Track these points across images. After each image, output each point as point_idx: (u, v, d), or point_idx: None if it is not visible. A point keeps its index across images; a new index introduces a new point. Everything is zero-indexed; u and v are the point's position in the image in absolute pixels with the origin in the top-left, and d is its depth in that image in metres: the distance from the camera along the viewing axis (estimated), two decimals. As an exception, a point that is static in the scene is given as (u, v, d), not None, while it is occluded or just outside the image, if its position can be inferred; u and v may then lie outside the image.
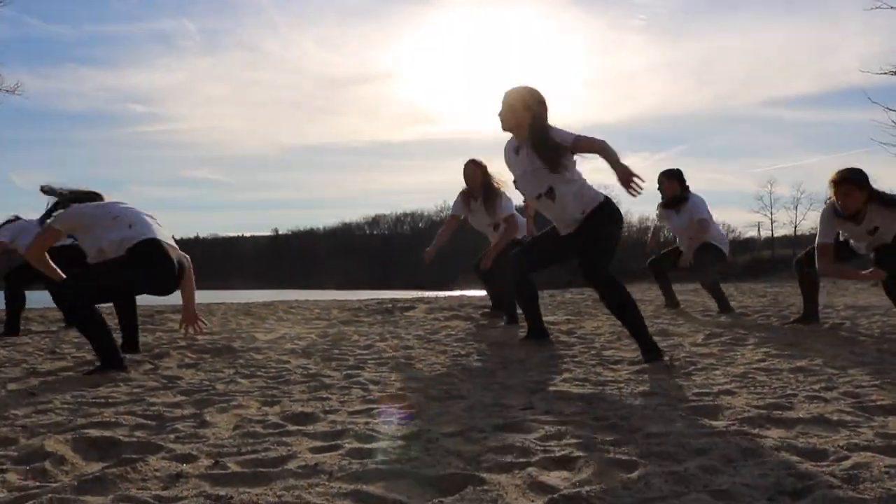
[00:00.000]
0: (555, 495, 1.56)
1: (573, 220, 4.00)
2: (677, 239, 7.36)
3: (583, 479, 1.70)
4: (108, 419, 2.49)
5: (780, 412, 2.39)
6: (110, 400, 2.89)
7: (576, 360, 3.86)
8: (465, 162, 6.26)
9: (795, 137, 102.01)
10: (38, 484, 1.78)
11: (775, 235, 60.50)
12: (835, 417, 2.30)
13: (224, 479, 1.75)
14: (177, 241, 4.30)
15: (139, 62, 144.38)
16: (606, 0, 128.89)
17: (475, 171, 6.17)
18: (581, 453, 1.90)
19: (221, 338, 5.04)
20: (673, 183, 7.05)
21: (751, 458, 1.87)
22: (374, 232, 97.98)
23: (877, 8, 14.69)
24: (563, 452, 1.92)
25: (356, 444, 2.06)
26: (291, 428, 2.31)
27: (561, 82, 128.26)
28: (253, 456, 1.95)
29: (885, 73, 14.12)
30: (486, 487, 1.60)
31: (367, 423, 2.34)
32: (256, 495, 1.59)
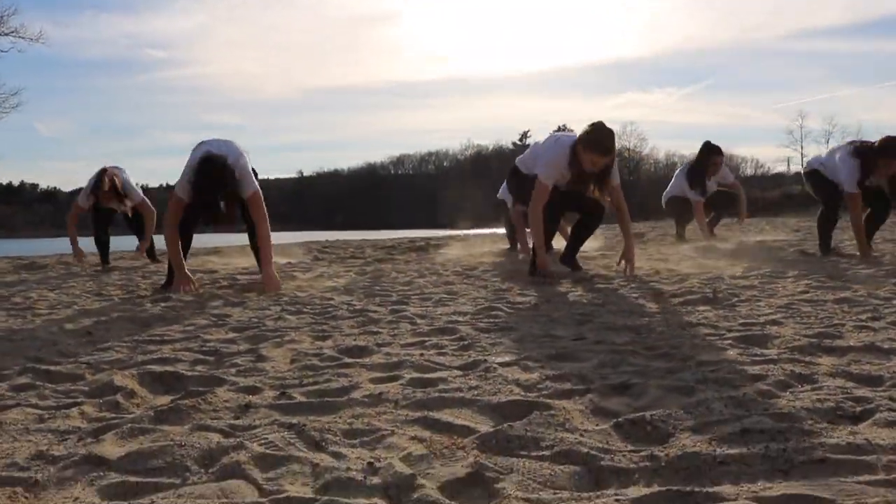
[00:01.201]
0: (619, 419, 1.60)
1: None
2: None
3: (643, 405, 1.74)
4: (167, 355, 2.56)
5: (829, 341, 2.40)
6: (165, 338, 2.96)
7: (617, 292, 3.88)
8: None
9: (826, 69, 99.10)
10: (114, 415, 1.85)
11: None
12: (885, 346, 2.31)
13: (292, 408, 1.81)
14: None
15: (158, 7, 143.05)
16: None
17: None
18: (637, 380, 1.93)
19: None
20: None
21: (807, 383, 1.89)
22: (399, 172, 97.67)
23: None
24: (620, 380, 1.95)
25: (415, 374, 2.11)
26: (348, 360, 2.37)
27: (581, 17, 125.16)
28: (316, 387, 2.01)
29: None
30: (552, 412, 1.64)
31: (422, 355, 2.39)
32: (327, 423, 1.65)
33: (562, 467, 1.34)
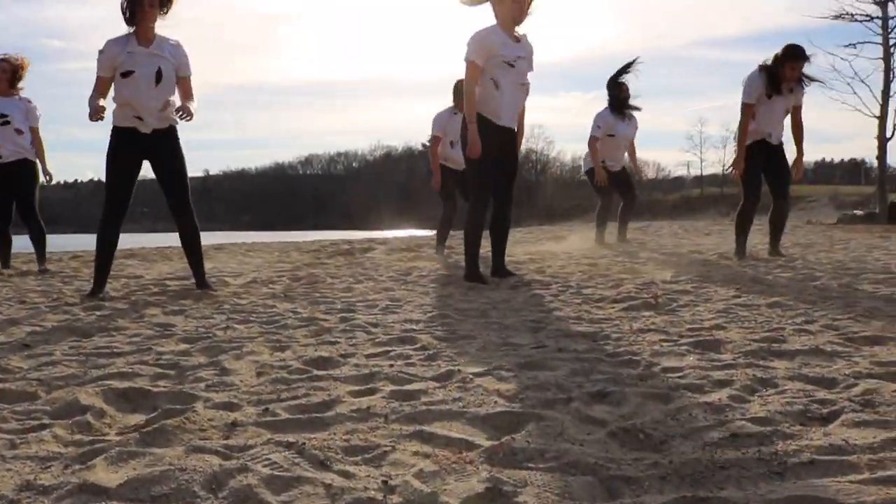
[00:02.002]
0: (612, 428, 1.66)
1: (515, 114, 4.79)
2: (612, 152, 7.65)
3: (628, 413, 1.81)
4: (123, 369, 2.49)
5: (777, 345, 2.55)
6: (114, 350, 2.87)
7: (559, 298, 3.98)
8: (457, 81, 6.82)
9: (724, 77, 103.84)
10: (91, 437, 1.79)
11: (704, 174, 61.94)
12: (828, 349, 2.46)
13: (281, 425, 1.80)
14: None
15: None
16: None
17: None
18: (613, 388, 2.01)
19: (192, 283, 4.98)
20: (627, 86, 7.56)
21: (770, 387, 2.01)
22: (308, 172, 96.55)
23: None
24: (596, 388, 2.02)
25: (393, 387, 2.12)
26: (318, 372, 2.36)
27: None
28: (296, 402, 2.00)
29: (826, 18, 14.43)
30: (546, 423, 1.69)
31: (391, 366, 2.40)
32: (324, 440, 1.64)
33: (573, 478, 1.39)
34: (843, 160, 72.64)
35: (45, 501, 1.38)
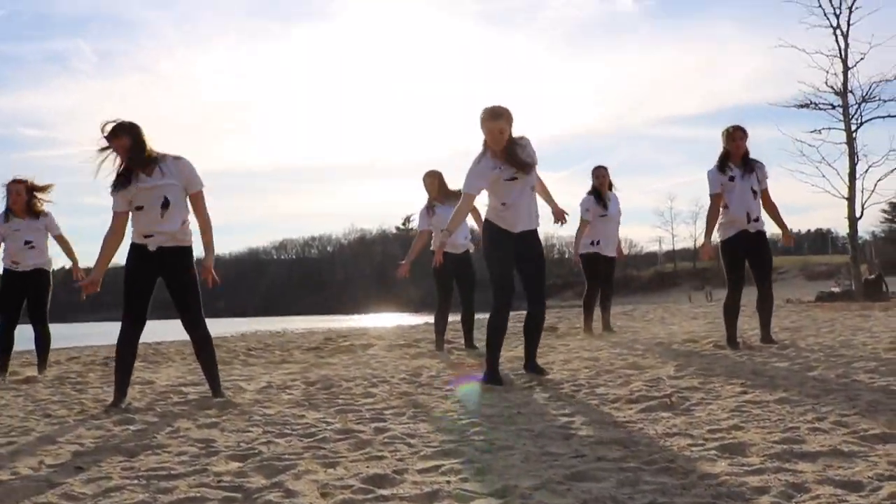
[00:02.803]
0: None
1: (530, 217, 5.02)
2: (599, 240, 8.04)
3: (686, 526, 2.00)
4: (190, 493, 2.63)
5: (797, 446, 2.77)
6: (171, 472, 3.00)
7: (576, 399, 4.18)
8: (424, 174, 7.39)
9: (688, 154, 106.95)
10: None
11: (676, 248, 63.09)
12: (845, 449, 2.69)
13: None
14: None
15: (32, 84, 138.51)
16: (508, 23, 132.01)
17: (433, 180, 7.30)
18: (662, 499, 2.21)
19: (207, 388, 5.09)
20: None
21: (804, 492, 2.22)
22: (283, 256, 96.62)
23: (780, 46, 15.86)
24: (647, 500, 2.21)
25: (461, 505, 2.30)
26: (383, 492, 2.53)
27: (462, 105, 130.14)
28: (376, 523, 2.17)
29: (792, 107, 15.28)
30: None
31: (448, 482, 2.58)
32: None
33: None
34: (809, 230, 74.46)
35: None
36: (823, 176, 14.49)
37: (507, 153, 4.83)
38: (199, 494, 2.62)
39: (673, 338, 7.29)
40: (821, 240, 66.67)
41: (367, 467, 2.87)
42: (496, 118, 4.78)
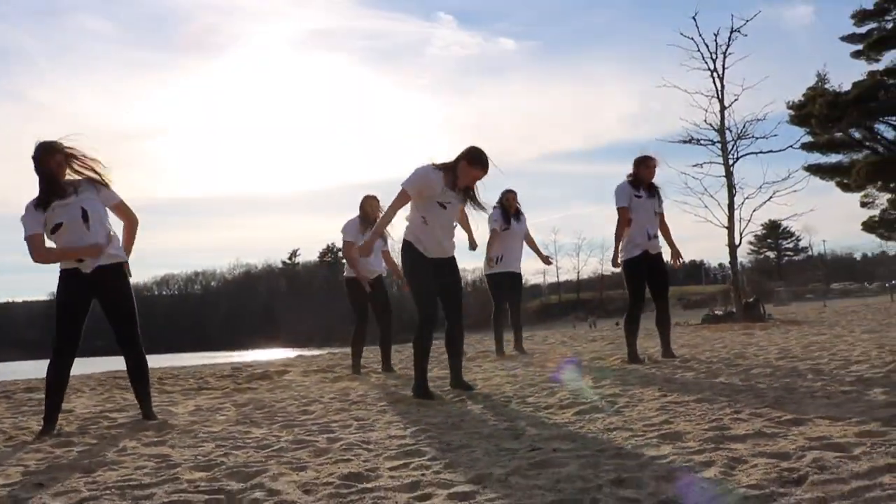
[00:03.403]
0: (651, 502, 2.14)
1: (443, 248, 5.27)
2: (502, 256, 8.46)
3: (653, 492, 2.29)
4: (173, 498, 2.72)
5: (727, 431, 3.13)
6: (141, 482, 3.05)
7: (510, 408, 4.46)
8: (365, 197, 7.71)
9: (570, 188, 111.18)
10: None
11: (560, 280, 65.01)
12: (768, 431, 3.07)
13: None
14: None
15: None
16: (394, 60, 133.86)
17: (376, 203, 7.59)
18: (626, 475, 2.49)
19: (136, 413, 5.05)
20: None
21: (744, 463, 2.56)
22: (164, 292, 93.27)
23: (663, 86, 17.02)
24: (611, 476, 2.50)
25: (444, 490, 2.52)
26: (366, 485, 2.70)
27: (348, 139, 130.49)
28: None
29: (677, 142, 16.41)
30: (604, 504, 2.15)
31: (423, 475, 2.78)
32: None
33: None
34: (684, 262, 78.31)
35: None
36: (705, 206, 15.62)
37: (465, 192, 5.23)
38: (181, 498, 2.71)
39: (581, 356, 7.70)
40: (695, 270, 70.40)
41: (338, 468, 3.03)
42: (484, 169, 5.13)
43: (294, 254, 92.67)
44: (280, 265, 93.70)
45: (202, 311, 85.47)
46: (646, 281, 6.68)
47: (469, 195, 5.21)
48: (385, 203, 7.32)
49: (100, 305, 4.84)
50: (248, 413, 5.04)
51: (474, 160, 5.06)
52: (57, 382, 4.71)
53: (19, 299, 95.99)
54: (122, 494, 2.86)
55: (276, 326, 77.52)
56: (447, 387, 5.54)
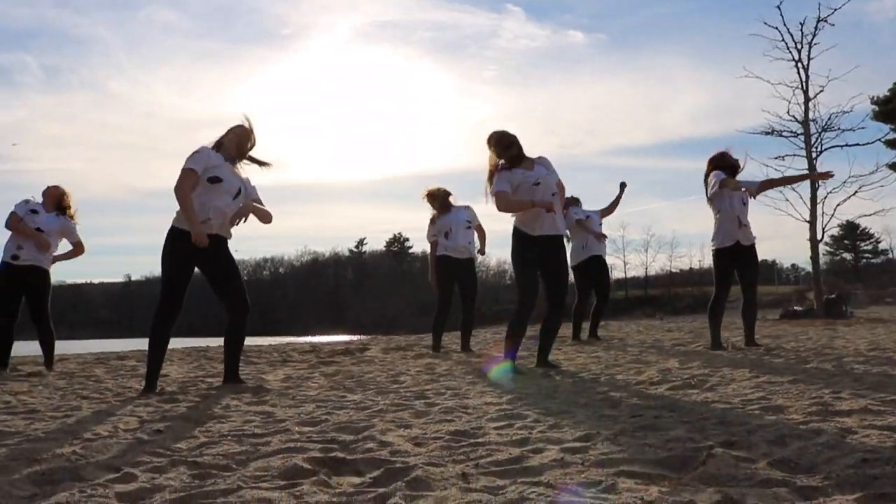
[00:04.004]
0: (768, 461, 2.18)
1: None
2: (587, 243, 8.52)
3: (765, 452, 2.32)
4: (289, 444, 2.85)
5: (831, 407, 3.12)
6: (255, 432, 3.21)
7: (601, 382, 4.50)
8: (428, 191, 7.89)
9: (638, 184, 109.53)
10: (335, 492, 2.19)
11: (628, 276, 64.17)
12: (874, 408, 3.05)
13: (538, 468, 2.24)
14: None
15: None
16: (460, 52, 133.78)
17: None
18: (734, 438, 2.52)
19: (253, 378, 5.26)
20: None
21: (855, 433, 2.56)
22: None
23: (743, 77, 16.77)
24: (721, 439, 2.53)
25: (557, 446, 2.59)
26: (476, 440, 2.79)
27: (416, 130, 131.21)
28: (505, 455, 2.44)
29: (758, 134, 16.13)
30: (714, 461, 2.19)
31: (530, 434, 2.85)
32: (565, 474, 2.10)
33: (767, 491, 1.90)
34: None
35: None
36: (787, 200, 15.28)
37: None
38: (297, 446, 2.84)
39: (661, 343, 7.67)
40: (767, 270, 68.72)
41: (443, 426, 3.13)
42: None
43: (361, 242, 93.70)
44: (347, 253, 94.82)
45: (271, 296, 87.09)
46: (735, 271, 6.62)
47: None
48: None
49: (204, 273, 5.07)
50: (340, 381, 5.20)
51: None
52: (162, 340, 4.96)
53: (96, 280, 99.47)
54: (239, 441, 3.01)
55: (342, 314, 78.59)
56: (532, 366, 5.61)
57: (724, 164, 6.62)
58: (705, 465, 2.15)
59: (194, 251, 4.88)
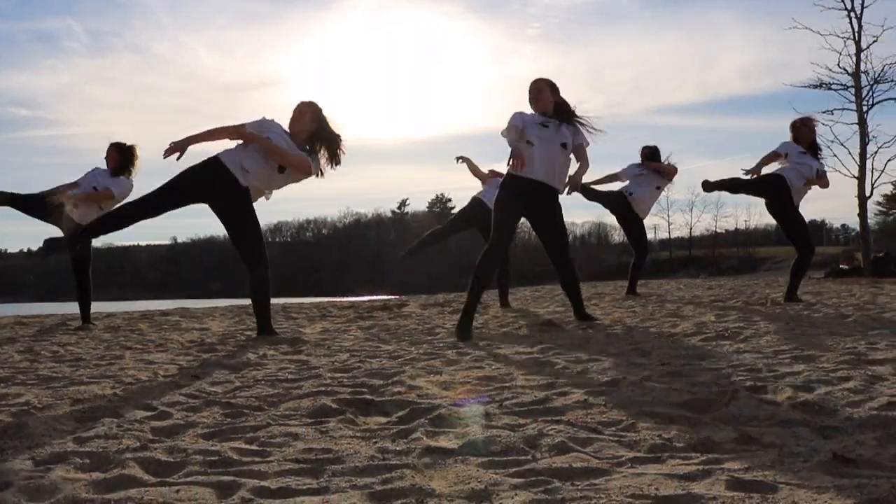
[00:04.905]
0: (793, 403, 2.17)
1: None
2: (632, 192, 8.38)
3: (790, 397, 2.31)
4: (319, 389, 2.92)
5: (864, 357, 3.09)
6: (288, 378, 3.29)
7: (634, 334, 4.50)
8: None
9: (684, 143, 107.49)
10: (367, 429, 2.24)
11: (672, 237, 63.42)
12: (906, 358, 3.00)
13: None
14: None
15: (21, 63, 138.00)
16: (502, 9, 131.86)
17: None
18: (763, 383, 2.51)
19: (291, 332, 5.37)
20: None
21: (883, 382, 2.53)
22: (277, 239, 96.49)
23: (792, 29, 16.24)
24: (749, 384, 2.52)
25: (597, 389, 2.61)
26: (503, 384, 2.83)
27: (457, 89, 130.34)
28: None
29: (806, 87, 15.63)
30: (743, 403, 2.20)
31: (556, 380, 2.88)
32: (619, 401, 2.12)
33: (802, 429, 1.90)
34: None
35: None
36: (835, 155, 14.87)
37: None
38: (328, 389, 2.91)
39: (699, 299, 7.60)
40: (815, 230, 67.33)
41: (472, 373, 3.17)
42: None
43: (403, 203, 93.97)
44: (389, 214, 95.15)
45: (313, 257, 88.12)
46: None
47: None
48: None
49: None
50: (375, 333, 5.28)
51: None
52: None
53: (143, 243, 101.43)
54: (272, 385, 3.09)
55: (385, 275, 79.17)
56: (568, 320, 5.62)
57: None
58: (728, 406, 2.16)
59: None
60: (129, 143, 6.92)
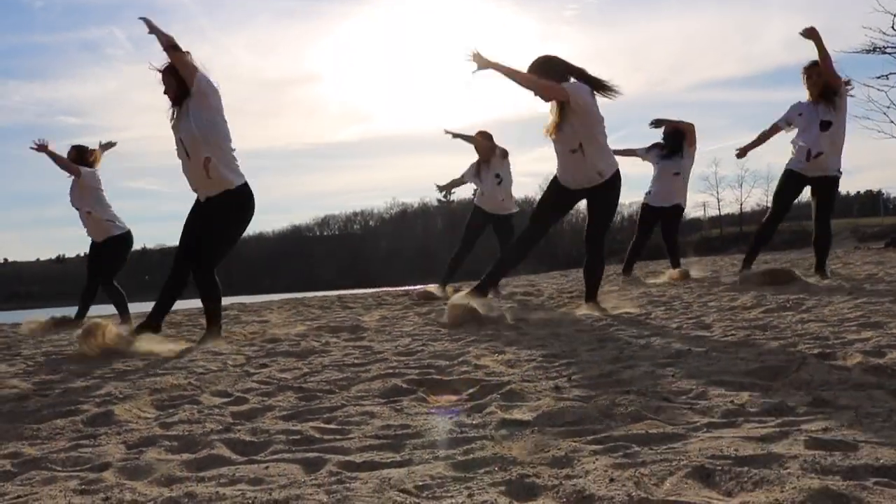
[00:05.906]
0: (863, 367, 2.16)
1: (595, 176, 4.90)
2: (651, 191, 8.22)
3: (856, 364, 2.30)
4: (388, 370, 2.99)
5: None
6: (354, 363, 3.36)
7: (694, 308, 4.48)
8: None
9: (730, 118, 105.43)
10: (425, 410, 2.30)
11: (722, 213, 62.29)
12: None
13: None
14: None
15: (68, 73, 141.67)
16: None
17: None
18: (829, 350, 2.50)
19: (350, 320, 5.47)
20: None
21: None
22: (325, 233, 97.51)
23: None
24: (816, 351, 2.51)
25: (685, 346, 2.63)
26: (567, 360, 2.86)
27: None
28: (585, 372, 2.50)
29: (859, 52, 15.21)
30: (812, 369, 2.20)
31: (619, 357, 2.90)
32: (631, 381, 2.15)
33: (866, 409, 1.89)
34: (859, 192, 72.81)
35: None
36: (891, 121, 14.47)
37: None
38: (395, 371, 2.97)
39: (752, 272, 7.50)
40: (871, 202, 65.44)
41: (536, 351, 3.21)
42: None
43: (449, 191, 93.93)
44: (435, 203, 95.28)
45: (362, 249, 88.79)
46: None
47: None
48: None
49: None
50: (433, 318, 5.33)
51: None
52: None
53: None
54: (341, 369, 3.17)
55: (433, 264, 79.43)
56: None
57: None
58: (798, 372, 2.16)
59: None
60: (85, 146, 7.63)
